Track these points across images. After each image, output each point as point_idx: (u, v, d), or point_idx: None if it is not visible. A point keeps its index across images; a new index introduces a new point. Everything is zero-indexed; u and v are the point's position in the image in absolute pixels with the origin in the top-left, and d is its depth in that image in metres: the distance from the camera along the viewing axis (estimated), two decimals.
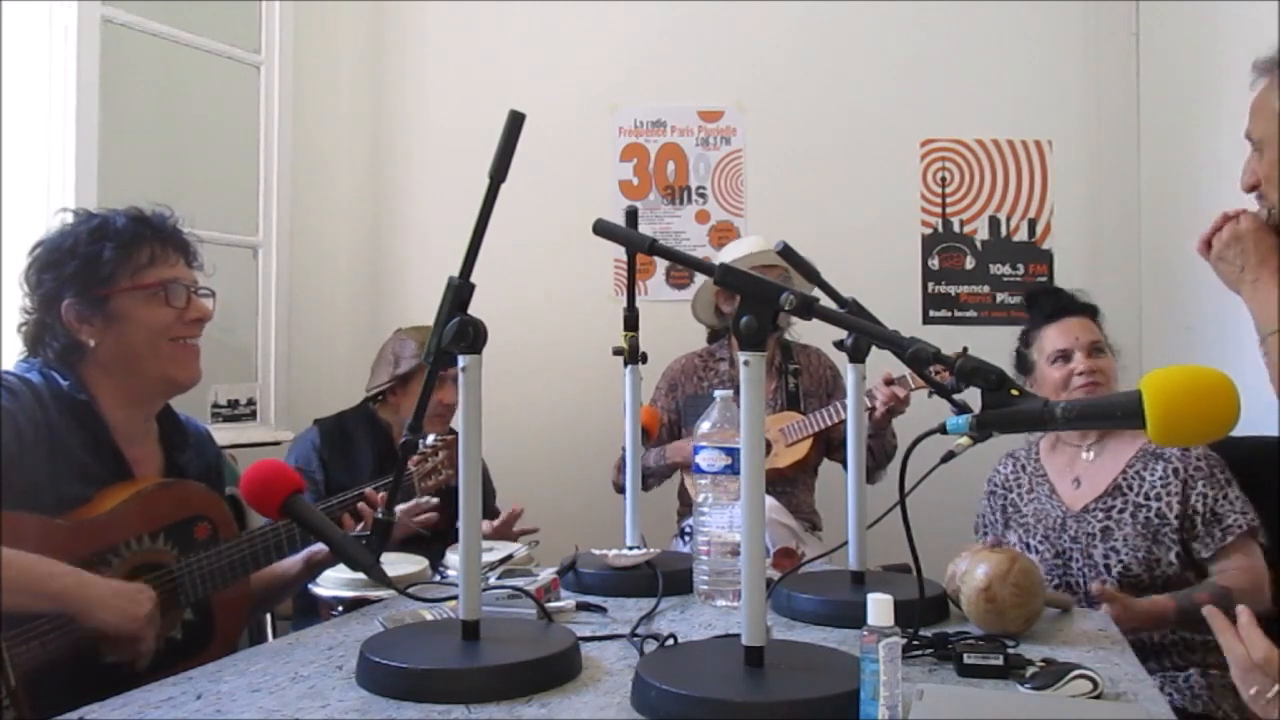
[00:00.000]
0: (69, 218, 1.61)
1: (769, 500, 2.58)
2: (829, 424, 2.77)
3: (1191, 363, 1.06)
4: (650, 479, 2.86)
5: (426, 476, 2.02)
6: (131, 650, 1.39)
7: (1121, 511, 2.03)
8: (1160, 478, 2.03)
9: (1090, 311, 2.24)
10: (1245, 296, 1.49)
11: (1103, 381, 2.13)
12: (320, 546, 1.73)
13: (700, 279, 2.99)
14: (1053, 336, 2.18)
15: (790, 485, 2.85)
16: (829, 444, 2.87)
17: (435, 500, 2.04)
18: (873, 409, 2.62)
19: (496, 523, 2.27)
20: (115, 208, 1.64)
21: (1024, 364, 2.27)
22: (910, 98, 3.60)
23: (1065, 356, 2.16)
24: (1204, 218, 1.62)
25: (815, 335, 2.93)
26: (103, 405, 1.56)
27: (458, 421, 1.28)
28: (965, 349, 1.29)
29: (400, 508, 2.15)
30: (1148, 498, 2.03)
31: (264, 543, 1.59)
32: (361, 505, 1.77)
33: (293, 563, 1.76)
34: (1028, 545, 2.12)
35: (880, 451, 2.75)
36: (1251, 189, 1.53)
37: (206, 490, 1.63)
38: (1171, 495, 2.01)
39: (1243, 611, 1.10)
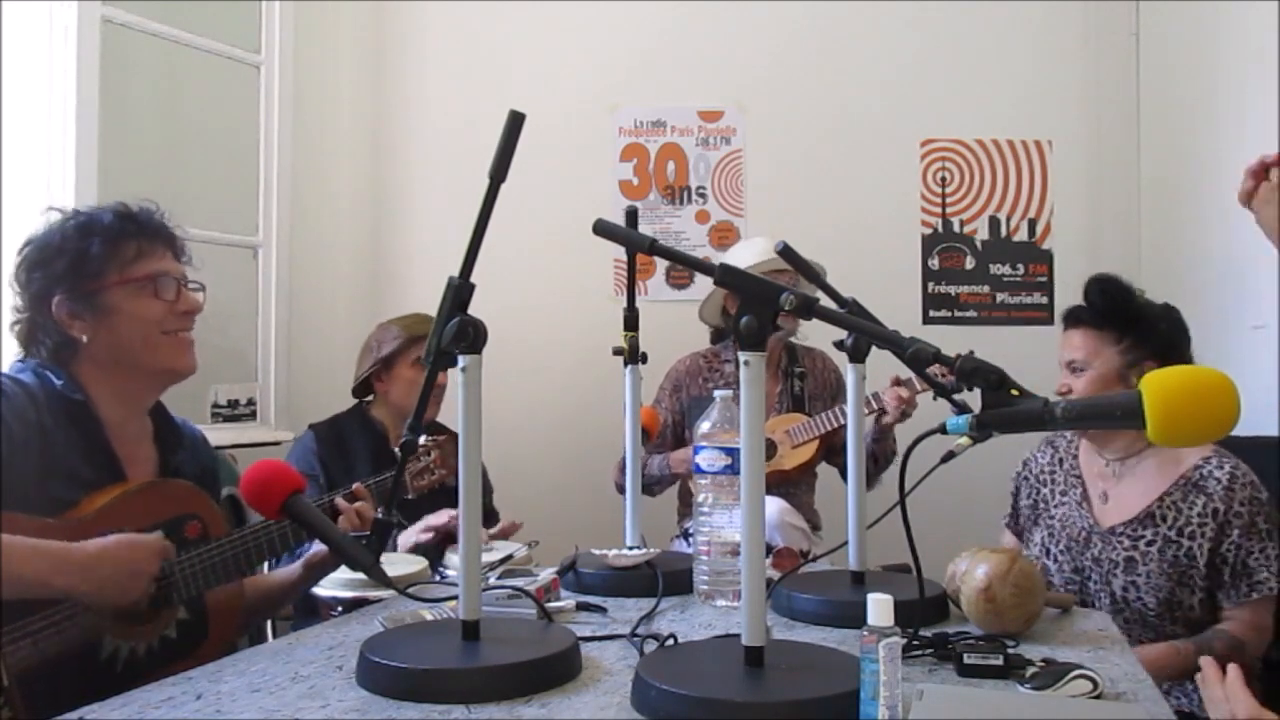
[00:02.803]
0: (56, 216, 1.62)
1: (780, 503, 2.58)
2: (834, 426, 2.76)
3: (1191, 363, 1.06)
4: (654, 486, 2.85)
5: (419, 476, 2.01)
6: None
7: (1150, 544, 1.92)
8: (1199, 514, 1.91)
9: (1092, 322, 2.04)
10: None
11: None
12: (319, 550, 1.73)
13: (710, 283, 2.98)
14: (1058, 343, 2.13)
15: (793, 487, 2.85)
16: (831, 447, 2.86)
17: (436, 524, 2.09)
18: (883, 412, 2.62)
19: (494, 531, 2.26)
20: (102, 205, 1.64)
21: None
22: (910, 98, 3.60)
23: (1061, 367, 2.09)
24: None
25: (817, 336, 2.93)
26: (97, 402, 1.57)
27: (455, 422, 1.28)
28: (972, 352, 1.28)
29: (408, 536, 2.16)
30: (1180, 534, 1.91)
31: (256, 541, 1.59)
32: (342, 503, 1.74)
33: (292, 570, 1.77)
34: (1048, 550, 2.05)
35: (882, 456, 2.75)
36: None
37: (196, 489, 1.63)
38: (1206, 537, 1.89)
39: (1232, 669, 1.11)
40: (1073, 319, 2.09)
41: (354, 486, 1.77)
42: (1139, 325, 2.03)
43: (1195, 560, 1.90)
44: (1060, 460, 2.15)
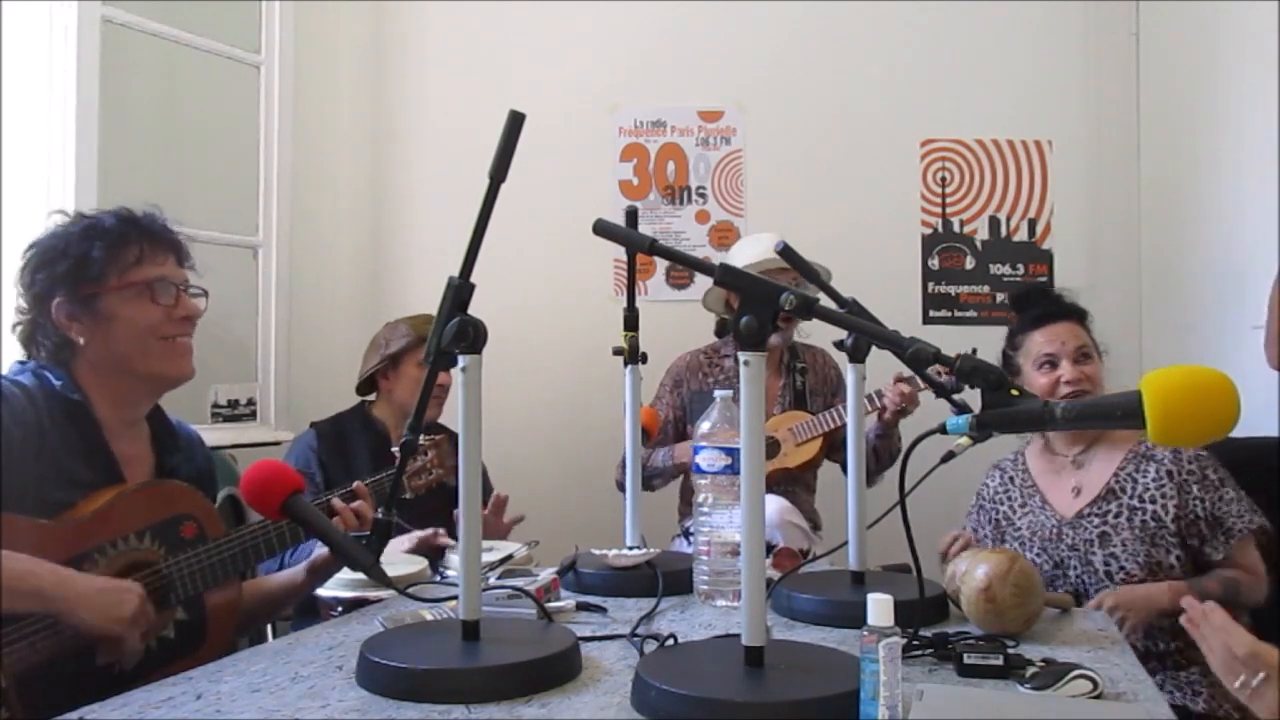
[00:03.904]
0: (62, 219, 1.63)
1: (781, 501, 2.58)
2: (838, 424, 2.76)
3: (1191, 363, 1.06)
4: (657, 479, 2.85)
5: (415, 475, 2.01)
6: (116, 650, 1.39)
7: (1118, 516, 2.00)
8: (1154, 479, 2.01)
9: (1078, 315, 2.18)
10: None
11: (1089, 388, 2.08)
12: (321, 553, 1.73)
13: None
14: (1039, 341, 2.14)
15: (794, 485, 2.85)
16: (834, 445, 2.86)
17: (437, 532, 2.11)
18: (882, 409, 2.62)
19: (485, 511, 2.26)
20: (106, 209, 1.64)
21: (1009, 367, 2.21)
22: (910, 98, 3.60)
23: (1052, 363, 2.11)
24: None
25: (817, 336, 2.93)
26: (95, 404, 1.57)
27: (454, 421, 1.28)
28: (974, 350, 1.28)
29: (405, 542, 2.16)
30: (1142, 500, 2.00)
31: (253, 540, 1.59)
32: (337, 503, 1.73)
33: (294, 573, 1.77)
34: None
35: (886, 453, 2.75)
36: None
37: (191, 489, 1.62)
38: (1167, 499, 1.99)
39: (1213, 608, 1.11)
40: (1058, 315, 2.17)
41: (354, 485, 1.77)
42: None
43: (1163, 521, 1.99)
44: (1011, 478, 2.21)
